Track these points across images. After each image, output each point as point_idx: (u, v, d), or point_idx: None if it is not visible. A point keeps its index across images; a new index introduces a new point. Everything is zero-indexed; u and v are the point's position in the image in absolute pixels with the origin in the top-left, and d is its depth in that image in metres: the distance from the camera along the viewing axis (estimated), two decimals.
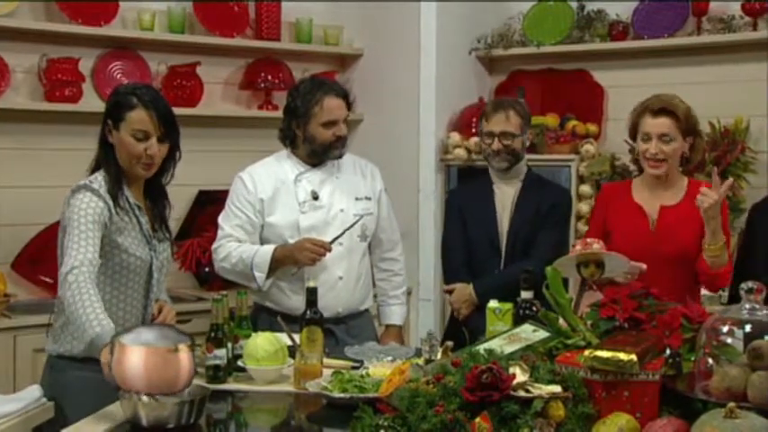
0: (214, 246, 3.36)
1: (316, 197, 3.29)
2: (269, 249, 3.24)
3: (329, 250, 3.20)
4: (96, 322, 2.42)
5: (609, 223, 3.23)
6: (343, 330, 3.31)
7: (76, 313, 2.46)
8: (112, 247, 2.65)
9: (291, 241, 3.25)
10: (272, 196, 3.29)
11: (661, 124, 3.07)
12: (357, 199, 3.36)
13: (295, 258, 3.20)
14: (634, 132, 3.17)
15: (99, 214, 2.61)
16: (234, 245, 3.28)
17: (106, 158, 2.70)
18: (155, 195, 2.81)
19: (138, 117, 2.64)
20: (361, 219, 3.31)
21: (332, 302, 3.21)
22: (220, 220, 3.35)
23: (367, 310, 3.47)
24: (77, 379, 2.63)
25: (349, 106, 3.34)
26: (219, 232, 3.34)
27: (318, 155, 3.31)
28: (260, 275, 3.23)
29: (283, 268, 3.25)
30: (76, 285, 2.48)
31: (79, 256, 2.53)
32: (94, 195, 2.63)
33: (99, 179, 2.68)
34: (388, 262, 3.53)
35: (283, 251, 3.23)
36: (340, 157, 3.33)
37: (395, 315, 3.53)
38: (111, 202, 2.64)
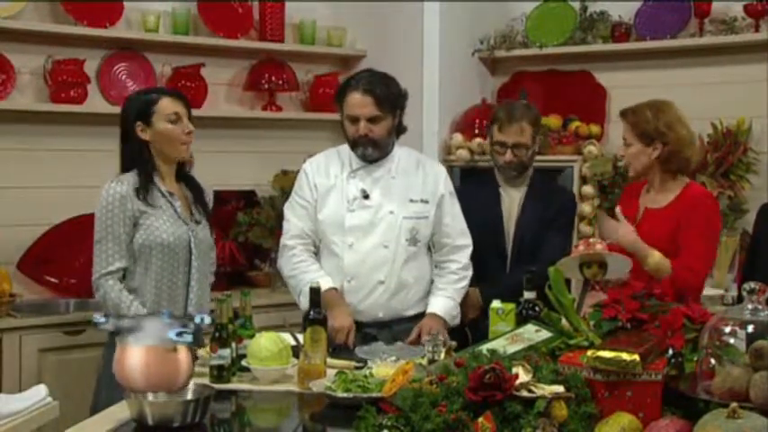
0: (282, 241, 3.26)
1: (366, 196, 3.19)
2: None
3: (347, 345, 3.03)
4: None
5: None
6: (387, 336, 3.15)
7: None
8: (150, 231, 2.94)
9: (335, 239, 3.17)
10: (326, 190, 3.22)
11: (623, 129, 3.23)
12: (411, 201, 3.22)
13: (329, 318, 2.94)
14: None
15: (124, 210, 2.90)
16: (297, 258, 3.19)
17: (139, 156, 2.98)
18: (190, 185, 3.13)
19: (165, 104, 2.99)
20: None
21: (371, 306, 3.14)
22: (285, 209, 3.29)
23: (421, 315, 3.23)
24: None
25: (385, 108, 3.17)
26: (285, 225, 3.27)
27: (355, 151, 3.22)
28: (304, 302, 3.02)
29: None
30: (104, 292, 2.89)
31: (103, 262, 2.91)
32: (117, 192, 2.90)
33: (128, 176, 2.96)
34: (447, 263, 3.30)
35: (328, 302, 2.98)
36: (365, 158, 3.20)
37: (435, 305, 3.21)
38: (133, 193, 2.91)
